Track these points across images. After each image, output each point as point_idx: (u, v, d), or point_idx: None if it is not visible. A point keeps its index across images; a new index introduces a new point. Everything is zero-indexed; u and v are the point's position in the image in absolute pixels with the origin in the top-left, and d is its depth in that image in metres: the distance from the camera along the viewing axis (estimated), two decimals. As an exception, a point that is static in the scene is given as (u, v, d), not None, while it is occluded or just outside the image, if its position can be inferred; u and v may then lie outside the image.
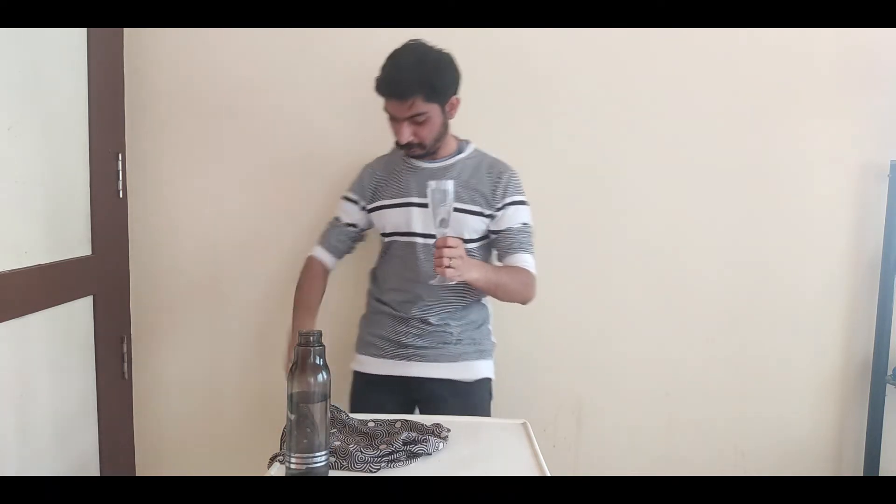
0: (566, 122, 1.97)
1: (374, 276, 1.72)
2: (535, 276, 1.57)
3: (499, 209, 1.59)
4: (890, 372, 1.99)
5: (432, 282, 1.45)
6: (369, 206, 1.66)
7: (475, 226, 1.59)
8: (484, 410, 1.63)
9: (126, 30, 1.86)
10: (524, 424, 1.38)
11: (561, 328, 2.03)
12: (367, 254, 1.77)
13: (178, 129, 1.93)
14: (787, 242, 2.02)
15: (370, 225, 1.70)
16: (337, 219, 1.70)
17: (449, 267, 1.33)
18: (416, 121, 1.50)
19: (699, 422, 2.06)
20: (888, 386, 1.99)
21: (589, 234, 2.01)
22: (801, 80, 1.98)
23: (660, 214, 2.01)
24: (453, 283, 1.41)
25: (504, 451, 1.25)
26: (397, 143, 1.57)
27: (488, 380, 1.67)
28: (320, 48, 1.91)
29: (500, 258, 1.63)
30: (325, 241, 1.70)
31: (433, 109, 1.50)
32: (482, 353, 1.66)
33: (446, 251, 1.34)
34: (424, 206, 1.53)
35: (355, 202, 1.67)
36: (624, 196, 2.00)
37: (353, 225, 1.69)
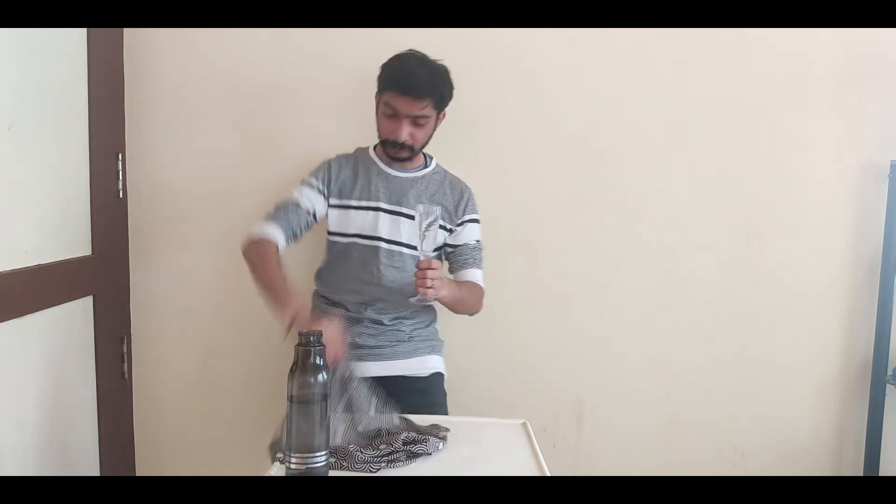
0: (565, 122, 1.97)
1: (323, 277, 1.71)
2: (485, 291, 1.65)
3: (458, 225, 1.66)
4: (890, 372, 1.99)
5: (412, 300, 1.53)
6: (332, 202, 1.64)
7: (437, 238, 1.64)
8: (441, 406, 1.64)
9: (126, 30, 1.86)
10: (524, 424, 1.38)
11: (561, 328, 2.03)
12: (310, 253, 1.75)
13: (178, 129, 1.93)
14: (787, 242, 2.02)
15: (323, 218, 1.66)
16: (296, 203, 1.61)
17: (430, 287, 1.40)
18: (418, 122, 1.54)
19: (699, 422, 2.06)
20: (888, 386, 1.99)
21: (589, 233, 2.01)
22: (801, 80, 1.98)
23: (659, 214, 2.01)
24: (431, 301, 1.49)
25: (504, 451, 1.25)
26: (385, 142, 1.59)
27: (441, 375, 1.69)
28: (320, 48, 1.91)
29: (451, 270, 1.69)
30: (280, 221, 1.59)
31: (433, 116, 1.58)
32: (433, 349, 1.69)
33: (429, 272, 1.40)
34: (393, 213, 1.61)
35: (320, 191, 1.64)
36: (623, 196, 2.00)
37: (313, 214, 1.63)
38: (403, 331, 1.65)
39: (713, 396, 2.05)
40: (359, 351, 1.61)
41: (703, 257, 2.02)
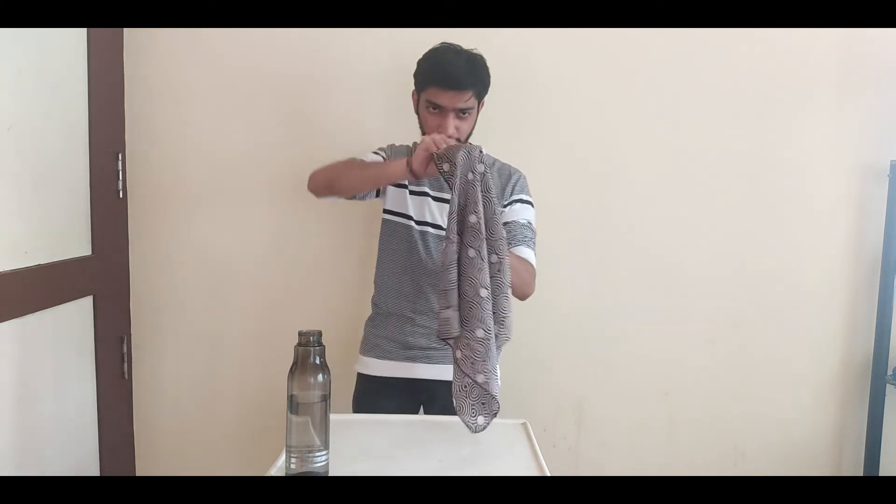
0: (566, 123, 1.97)
1: (379, 279, 1.69)
2: (536, 273, 1.58)
3: (506, 205, 1.61)
4: (890, 372, 1.99)
5: None
6: None
7: None
8: None
9: (126, 30, 1.86)
10: (524, 424, 1.38)
11: (561, 328, 2.03)
12: (367, 256, 1.76)
13: (178, 129, 1.93)
14: (787, 242, 2.02)
15: (377, 193, 1.65)
16: (362, 159, 1.60)
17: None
18: (463, 115, 1.52)
19: (699, 421, 2.06)
20: (888, 386, 1.99)
21: (589, 233, 2.01)
22: (801, 80, 1.98)
23: (660, 215, 2.01)
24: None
25: (504, 451, 1.25)
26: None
27: None
28: (320, 47, 1.91)
29: None
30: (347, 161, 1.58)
31: (476, 106, 1.56)
32: None
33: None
34: (438, 199, 1.60)
35: (384, 159, 1.63)
36: (624, 196, 2.00)
37: None
38: None
39: (713, 396, 2.05)
40: (410, 352, 1.61)
41: (703, 257, 2.02)
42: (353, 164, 1.54)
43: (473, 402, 1.30)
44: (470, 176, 1.28)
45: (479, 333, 1.28)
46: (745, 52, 1.96)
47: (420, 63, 1.56)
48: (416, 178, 1.41)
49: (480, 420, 1.30)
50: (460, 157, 1.27)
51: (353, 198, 1.60)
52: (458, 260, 1.30)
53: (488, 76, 1.57)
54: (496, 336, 1.31)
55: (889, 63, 1.97)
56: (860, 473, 2.05)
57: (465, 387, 1.30)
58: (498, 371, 1.35)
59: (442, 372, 1.58)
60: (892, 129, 1.99)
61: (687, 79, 1.97)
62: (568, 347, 2.03)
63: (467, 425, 1.29)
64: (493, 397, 1.30)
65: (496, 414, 1.30)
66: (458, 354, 1.31)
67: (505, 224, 1.58)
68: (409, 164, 1.39)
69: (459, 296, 1.29)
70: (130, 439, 1.98)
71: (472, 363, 1.29)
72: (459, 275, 1.29)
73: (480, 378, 1.29)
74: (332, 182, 1.55)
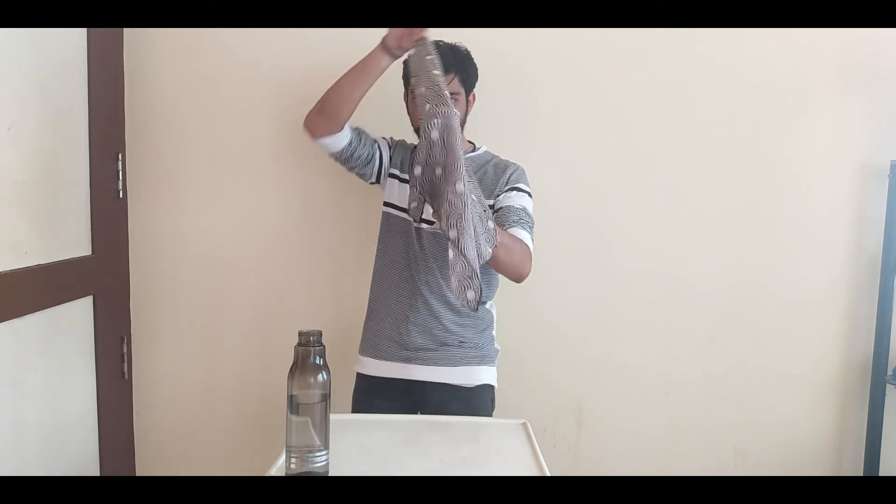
0: (566, 124, 1.98)
1: (377, 272, 1.70)
2: (532, 255, 1.51)
3: (500, 195, 1.59)
4: (890, 372, 1.99)
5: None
6: (392, 171, 1.65)
7: None
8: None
9: (126, 30, 1.87)
10: (524, 424, 1.38)
11: (561, 328, 2.03)
12: (367, 256, 1.76)
13: (178, 129, 1.93)
14: (787, 243, 2.02)
15: (379, 172, 1.65)
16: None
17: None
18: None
19: (699, 422, 2.06)
20: (888, 386, 1.99)
21: (589, 234, 2.01)
22: (801, 80, 1.98)
23: (660, 215, 2.01)
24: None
25: (504, 451, 1.25)
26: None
27: (490, 387, 1.65)
28: (320, 48, 1.91)
29: None
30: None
31: (462, 96, 1.58)
32: (484, 359, 1.64)
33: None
34: None
35: (388, 145, 1.67)
36: (624, 197, 2.00)
37: (378, 148, 1.64)
38: (453, 332, 1.60)
39: (713, 397, 2.05)
40: (406, 352, 1.60)
41: (703, 258, 2.02)
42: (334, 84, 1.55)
43: (460, 278, 1.22)
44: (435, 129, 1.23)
45: (459, 187, 1.19)
46: (745, 53, 1.96)
47: (405, 62, 1.59)
48: (390, 55, 1.47)
49: (470, 294, 1.22)
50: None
51: (346, 162, 1.61)
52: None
53: (473, 67, 1.61)
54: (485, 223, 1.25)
55: (889, 63, 1.97)
56: (860, 473, 2.05)
57: (453, 258, 1.21)
58: (474, 244, 1.22)
59: (436, 374, 1.59)
60: (893, 129, 1.99)
61: (686, 79, 1.97)
62: (568, 347, 2.03)
63: (460, 303, 1.28)
64: (474, 271, 1.21)
65: (480, 290, 1.22)
66: (441, 211, 1.23)
67: (500, 209, 1.57)
68: (383, 42, 1.46)
69: (442, 166, 1.23)
70: (130, 439, 1.97)
71: (447, 217, 1.20)
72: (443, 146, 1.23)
73: (452, 234, 1.19)
74: (323, 104, 1.54)
